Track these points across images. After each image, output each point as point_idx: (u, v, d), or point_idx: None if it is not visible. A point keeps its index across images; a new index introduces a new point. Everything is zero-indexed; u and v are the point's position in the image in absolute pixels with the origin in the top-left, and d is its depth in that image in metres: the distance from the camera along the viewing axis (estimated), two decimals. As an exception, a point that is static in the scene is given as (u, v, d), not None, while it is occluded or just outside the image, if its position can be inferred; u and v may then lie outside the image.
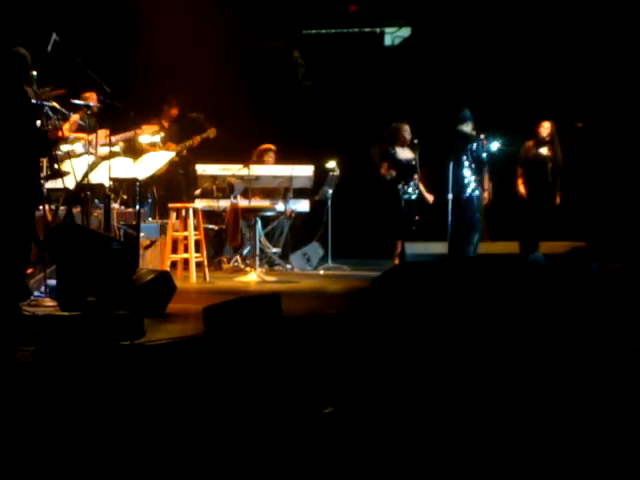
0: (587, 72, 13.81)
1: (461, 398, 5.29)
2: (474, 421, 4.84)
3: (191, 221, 10.83)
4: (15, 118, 7.10)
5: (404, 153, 12.61)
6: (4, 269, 7.02)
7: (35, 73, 7.43)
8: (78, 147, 9.87)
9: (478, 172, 11.71)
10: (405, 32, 16.36)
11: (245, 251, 12.25)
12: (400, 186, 12.55)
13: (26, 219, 7.20)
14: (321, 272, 12.35)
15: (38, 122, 7.56)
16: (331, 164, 13.23)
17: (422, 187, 12.64)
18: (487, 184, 12.00)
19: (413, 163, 12.56)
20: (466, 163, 11.63)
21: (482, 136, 11.60)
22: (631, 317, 7.77)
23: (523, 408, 5.10)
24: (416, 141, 12.59)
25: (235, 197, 12.17)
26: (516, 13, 14.51)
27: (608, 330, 7.24)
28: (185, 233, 10.90)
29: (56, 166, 8.27)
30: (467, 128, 11.59)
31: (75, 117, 10.45)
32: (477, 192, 11.68)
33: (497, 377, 5.79)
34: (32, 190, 7.28)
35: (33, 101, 7.48)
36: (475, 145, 11.55)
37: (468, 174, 11.65)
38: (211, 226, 12.56)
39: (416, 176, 12.63)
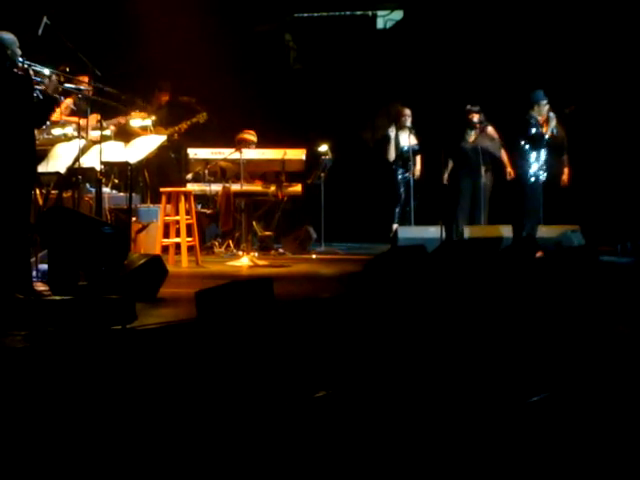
0: (581, 55, 13.77)
1: (455, 381, 5.28)
2: (470, 404, 4.84)
3: (183, 205, 10.81)
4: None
5: (405, 138, 12.65)
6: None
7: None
8: (69, 131, 9.84)
9: (541, 155, 11.57)
10: (397, 15, 16.31)
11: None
12: (399, 170, 12.65)
13: (21, 199, 7.21)
14: (314, 256, 12.33)
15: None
16: (323, 148, 13.21)
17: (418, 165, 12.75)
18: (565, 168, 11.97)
19: (415, 148, 12.63)
20: (532, 146, 11.51)
21: (541, 118, 11.46)
22: (621, 301, 7.79)
23: (515, 390, 5.10)
24: (409, 124, 12.65)
25: (227, 181, 12.14)
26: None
27: (597, 314, 7.26)
28: (177, 217, 10.87)
29: None
30: (535, 112, 11.47)
31: (67, 101, 10.42)
32: (541, 176, 11.57)
33: (490, 359, 5.79)
34: (27, 169, 7.28)
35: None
36: (536, 128, 11.44)
37: (533, 158, 11.54)
38: (203, 210, 12.55)
39: (417, 158, 12.73)
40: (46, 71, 7.92)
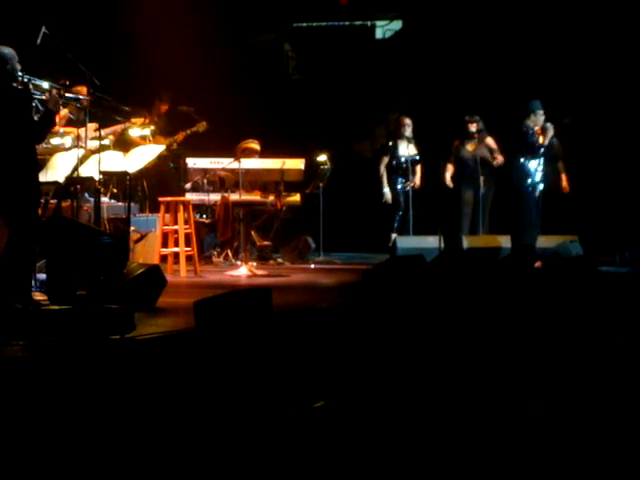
0: (579, 65, 13.79)
1: (454, 389, 5.28)
2: (468, 412, 4.83)
3: (181, 215, 10.80)
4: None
5: (404, 148, 12.62)
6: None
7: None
8: (67, 141, 9.83)
9: (539, 165, 11.51)
10: (396, 25, 16.35)
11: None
12: (397, 180, 12.63)
13: (22, 212, 7.21)
14: (312, 266, 12.33)
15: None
16: (322, 157, 13.21)
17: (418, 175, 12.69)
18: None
19: (415, 158, 12.60)
20: (529, 156, 11.47)
21: (537, 128, 11.42)
22: (621, 313, 7.79)
23: (515, 399, 5.10)
24: (409, 134, 12.63)
25: (226, 190, 12.14)
26: (507, 4, 14.50)
27: (596, 325, 7.26)
28: (175, 227, 10.87)
29: None
30: (531, 121, 11.44)
31: (64, 111, 10.40)
32: (539, 186, 11.52)
33: (490, 369, 5.79)
34: (29, 185, 7.29)
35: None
36: (533, 137, 11.40)
37: (531, 167, 11.49)
38: (201, 219, 12.55)
39: (417, 168, 12.69)
40: (45, 84, 7.91)
